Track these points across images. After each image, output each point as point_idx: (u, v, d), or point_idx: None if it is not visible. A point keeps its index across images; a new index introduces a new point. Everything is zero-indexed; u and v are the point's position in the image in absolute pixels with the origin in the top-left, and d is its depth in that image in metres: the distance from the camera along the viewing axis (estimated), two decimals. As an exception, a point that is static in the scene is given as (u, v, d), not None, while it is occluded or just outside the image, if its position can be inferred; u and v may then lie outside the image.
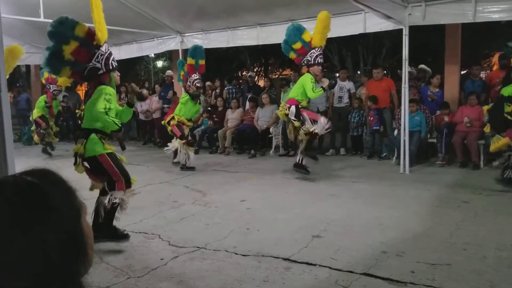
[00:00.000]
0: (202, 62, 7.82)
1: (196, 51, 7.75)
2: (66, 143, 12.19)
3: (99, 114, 3.96)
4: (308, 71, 6.66)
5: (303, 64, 6.78)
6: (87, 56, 4.02)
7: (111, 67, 4.15)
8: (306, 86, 6.53)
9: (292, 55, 6.80)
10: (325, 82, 6.71)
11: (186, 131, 7.88)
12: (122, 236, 4.16)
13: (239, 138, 10.02)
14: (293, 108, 6.62)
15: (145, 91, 4.61)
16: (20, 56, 7.86)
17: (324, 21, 6.40)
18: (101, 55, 4.08)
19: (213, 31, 9.52)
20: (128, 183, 4.11)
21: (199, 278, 3.45)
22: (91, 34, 3.99)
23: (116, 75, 4.27)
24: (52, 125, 10.05)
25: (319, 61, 6.62)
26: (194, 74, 7.75)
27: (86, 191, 6.57)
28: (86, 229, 0.81)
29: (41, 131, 9.79)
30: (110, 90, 4.07)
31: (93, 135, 4.05)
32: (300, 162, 6.81)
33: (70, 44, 3.86)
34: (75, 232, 0.76)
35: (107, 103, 3.98)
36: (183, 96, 8.02)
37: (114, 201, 4.02)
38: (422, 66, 9.62)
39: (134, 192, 4.18)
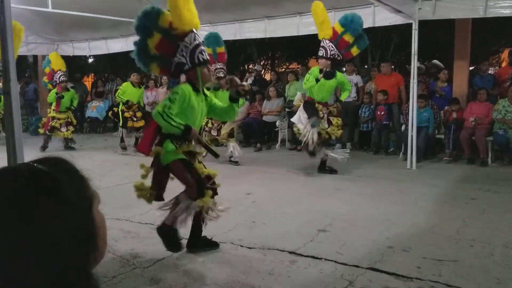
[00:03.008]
0: (220, 49, 7.38)
1: (209, 39, 7.29)
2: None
3: (155, 116, 3.48)
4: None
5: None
6: (172, 50, 3.57)
7: (197, 61, 3.58)
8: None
9: None
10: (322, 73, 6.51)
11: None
12: (212, 244, 3.85)
13: (245, 131, 10.02)
14: (298, 96, 6.71)
15: (246, 84, 3.80)
16: (21, 35, 7.06)
17: (316, 14, 6.31)
18: (185, 47, 3.55)
19: (220, 24, 9.48)
20: (200, 192, 3.62)
21: (204, 269, 3.46)
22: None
23: (205, 71, 3.66)
24: (71, 118, 9.88)
25: (318, 54, 6.53)
26: (213, 64, 7.26)
27: (99, 181, 6.61)
28: (98, 219, 0.79)
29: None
30: (183, 90, 3.53)
31: (167, 143, 3.59)
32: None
33: (153, 36, 3.48)
34: (86, 223, 0.75)
35: (169, 102, 3.46)
36: None
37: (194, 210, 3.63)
38: (434, 61, 9.57)
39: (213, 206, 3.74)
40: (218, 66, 7.39)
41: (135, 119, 9.42)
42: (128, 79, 9.81)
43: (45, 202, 0.70)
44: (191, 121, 3.61)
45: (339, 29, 6.34)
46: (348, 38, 6.33)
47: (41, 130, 9.91)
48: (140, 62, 3.59)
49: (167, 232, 3.63)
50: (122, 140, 9.50)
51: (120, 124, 9.46)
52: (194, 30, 3.61)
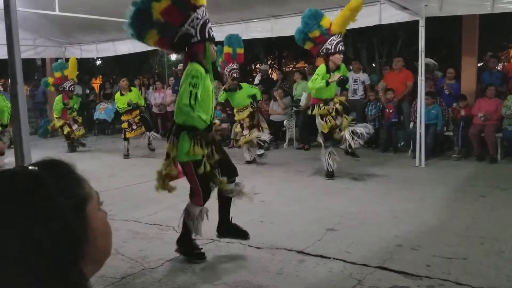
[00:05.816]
0: (240, 50, 7.38)
1: (231, 39, 7.37)
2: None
3: (183, 108, 3.33)
4: (326, 62, 6.15)
5: (321, 53, 6.17)
6: (180, 19, 3.35)
7: (207, 36, 3.42)
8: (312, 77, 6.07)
9: (309, 45, 6.22)
10: (336, 76, 6.08)
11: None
12: (197, 255, 3.65)
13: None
14: (304, 95, 6.33)
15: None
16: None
17: (354, 10, 5.80)
18: (197, 19, 3.37)
19: (226, 24, 9.48)
20: (206, 198, 3.64)
21: (213, 270, 3.47)
22: None
23: (212, 48, 3.56)
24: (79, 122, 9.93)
25: (340, 49, 6.00)
26: (231, 64, 7.37)
27: (108, 182, 6.58)
28: (95, 220, 0.75)
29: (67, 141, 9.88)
30: (197, 71, 3.37)
31: (183, 135, 3.44)
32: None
33: (160, 1, 3.22)
34: (74, 224, 0.70)
35: (193, 89, 3.30)
36: (221, 94, 7.70)
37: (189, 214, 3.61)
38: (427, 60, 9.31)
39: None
40: (234, 67, 7.35)
41: (134, 127, 9.05)
42: (120, 84, 9.42)
43: (27, 203, 0.68)
44: (207, 106, 3.48)
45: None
46: None
47: (58, 124, 10.01)
48: (135, 27, 3.29)
49: (185, 244, 3.65)
50: (126, 154, 8.99)
51: (123, 136, 9.04)
52: (204, 4, 3.48)
